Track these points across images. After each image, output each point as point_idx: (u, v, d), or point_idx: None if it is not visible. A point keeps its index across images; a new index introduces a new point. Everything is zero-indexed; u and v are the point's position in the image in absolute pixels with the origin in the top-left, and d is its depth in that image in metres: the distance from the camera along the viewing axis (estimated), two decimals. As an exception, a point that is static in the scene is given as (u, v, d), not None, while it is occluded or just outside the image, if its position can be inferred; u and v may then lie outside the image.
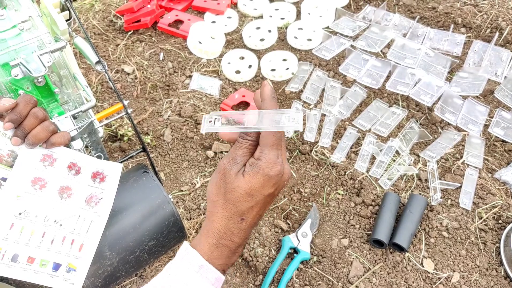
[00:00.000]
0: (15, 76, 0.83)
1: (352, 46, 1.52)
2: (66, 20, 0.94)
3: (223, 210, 0.57)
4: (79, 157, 0.79)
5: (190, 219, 1.17)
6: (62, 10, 0.95)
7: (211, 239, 0.58)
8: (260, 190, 0.55)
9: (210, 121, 0.61)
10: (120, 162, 0.87)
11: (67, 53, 0.98)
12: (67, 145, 0.80)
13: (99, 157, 0.95)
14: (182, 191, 1.23)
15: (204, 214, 1.18)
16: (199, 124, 1.37)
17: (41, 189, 0.76)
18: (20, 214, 0.74)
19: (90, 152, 0.96)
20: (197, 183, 1.25)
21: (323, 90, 1.42)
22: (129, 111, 0.94)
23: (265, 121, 0.55)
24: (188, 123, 1.38)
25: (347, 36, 1.57)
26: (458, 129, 1.32)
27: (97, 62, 0.91)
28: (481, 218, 1.15)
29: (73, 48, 1.13)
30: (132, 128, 1.34)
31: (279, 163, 0.55)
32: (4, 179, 0.74)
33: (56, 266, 0.75)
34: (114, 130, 1.34)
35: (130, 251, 0.90)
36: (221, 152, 1.30)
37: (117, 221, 0.88)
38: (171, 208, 0.94)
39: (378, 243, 1.10)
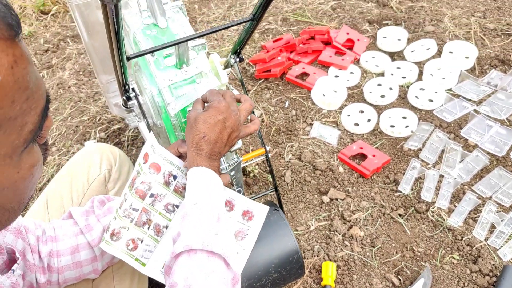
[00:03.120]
0: (189, 119, 1.02)
1: (475, 110, 1.53)
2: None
3: (190, 135, 0.82)
4: (234, 196, 0.93)
5: (304, 258, 1.26)
6: (226, 67, 1.15)
7: (191, 153, 0.81)
8: (210, 117, 0.80)
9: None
10: (253, 199, 1.00)
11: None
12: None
13: (239, 191, 1.10)
14: (297, 230, 1.34)
15: (317, 256, 1.26)
16: (317, 169, 1.48)
17: None
18: None
19: (232, 186, 1.11)
20: (312, 225, 1.34)
21: (443, 151, 1.45)
22: (269, 155, 1.08)
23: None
24: (306, 168, 1.50)
25: (470, 100, 1.58)
26: None
27: (250, 112, 1.08)
28: None
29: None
30: (267, 167, 1.49)
31: (217, 99, 0.83)
32: (177, 206, 0.90)
33: None
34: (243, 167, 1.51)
35: (257, 279, 1.02)
36: (336, 199, 1.39)
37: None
38: (296, 246, 1.04)
39: (494, 316, 1.08)
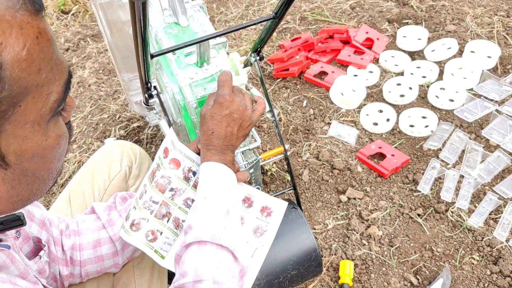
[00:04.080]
0: (209, 116, 1.03)
1: (497, 110, 1.51)
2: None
3: (201, 132, 0.84)
4: (253, 192, 0.94)
5: (322, 256, 1.26)
6: (245, 66, 1.15)
7: (203, 149, 0.83)
8: (216, 113, 0.81)
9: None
10: (273, 195, 1.00)
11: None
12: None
13: (257, 189, 1.11)
14: (315, 229, 1.34)
15: (335, 254, 1.26)
16: (335, 168, 1.48)
17: None
18: None
19: (251, 184, 1.12)
20: (329, 224, 1.34)
21: (463, 151, 1.43)
22: (288, 153, 1.08)
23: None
24: (324, 167, 1.50)
25: (492, 100, 1.56)
26: None
27: (269, 111, 1.09)
28: None
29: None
30: (284, 166, 1.50)
31: (221, 94, 0.82)
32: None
33: None
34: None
35: (275, 276, 1.03)
36: (355, 198, 1.38)
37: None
38: (314, 244, 1.04)
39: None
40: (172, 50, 0.83)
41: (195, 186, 0.89)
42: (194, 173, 0.89)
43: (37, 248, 0.76)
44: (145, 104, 1.08)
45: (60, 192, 1.33)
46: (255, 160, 1.06)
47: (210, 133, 0.81)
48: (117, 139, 1.72)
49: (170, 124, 1.05)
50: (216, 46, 1.04)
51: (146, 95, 0.98)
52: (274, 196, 1.15)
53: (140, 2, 0.50)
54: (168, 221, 0.87)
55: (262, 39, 1.00)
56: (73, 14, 2.48)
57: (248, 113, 0.85)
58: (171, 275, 0.99)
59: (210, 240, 0.70)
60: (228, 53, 1.11)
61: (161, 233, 0.86)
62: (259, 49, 1.05)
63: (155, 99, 1.02)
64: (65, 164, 1.67)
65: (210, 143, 0.82)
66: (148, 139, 1.70)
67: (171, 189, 0.87)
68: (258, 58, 1.06)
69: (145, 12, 0.54)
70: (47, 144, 0.47)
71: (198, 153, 0.91)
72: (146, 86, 0.96)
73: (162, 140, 1.61)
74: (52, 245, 0.82)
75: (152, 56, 0.79)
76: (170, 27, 1.06)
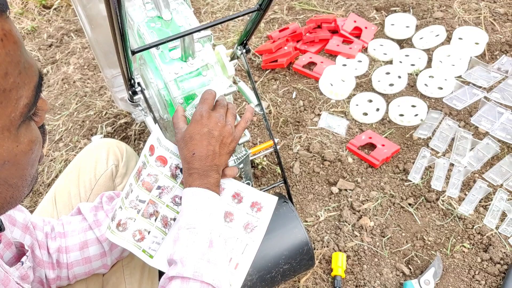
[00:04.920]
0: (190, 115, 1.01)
1: (485, 97, 1.51)
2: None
3: (182, 155, 0.81)
4: (242, 188, 0.92)
5: (314, 249, 1.26)
6: (232, 59, 1.13)
7: (185, 174, 0.81)
8: (195, 132, 0.79)
9: None
10: (262, 191, 0.99)
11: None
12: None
13: (247, 184, 1.10)
14: (306, 221, 1.33)
15: (327, 247, 1.26)
16: (326, 160, 1.47)
17: None
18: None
19: (241, 179, 1.11)
20: (321, 216, 1.33)
21: (453, 139, 1.43)
22: (278, 147, 1.07)
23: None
24: (315, 159, 1.49)
25: (480, 87, 1.55)
26: None
27: (257, 105, 1.07)
28: None
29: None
30: (275, 159, 1.49)
31: (199, 112, 0.81)
32: None
33: None
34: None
35: (267, 271, 1.02)
36: (346, 189, 1.38)
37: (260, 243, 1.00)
38: (306, 238, 1.04)
39: (507, 305, 1.07)
40: (155, 45, 0.81)
41: (182, 183, 0.88)
42: (182, 170, 0.88)
43: (20, 253, 0.75)
44: (130, 101, 1.06)
45: (46, 192, 1.31)
46: (244, 155, 1.05)
47: (191, 155, 0.78)
48: (104, 136, 1.69)
49: (156, 121, 1.03)
50: (201, 39, 1.01)
51: (130, 92, 0.96)
52: (265, 190, 1.14)
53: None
54: (155, 219, 0.85)
55: (247, 31, 0.98)
56: (55, 9, 2.43)
57: (228, 129, 0.82)
58: (162, 274, 0.98)
59: (193, 277, 0.68)
60: (214, 46, 1.08)
61: (149, 232, 0.84)
62: (245, 41, 1.03)
63: (140, 96, 1.00)
64: (51, 163, 1.64)
65: (191, 167, 0.78)
66: (136, 135, 1.67)
67: (158, 187, 0.86)
68: (244, 51, 1.04)
69: (121, 7, 0.52)
70: (19, 150, 0.46)
71: None
72: (130, 83, 0.93)
73: (149, 136, 1.58)
74: (37, 248, 0.80)
75: (134, 53, 0.77)
76: (153, 21, 1.03)
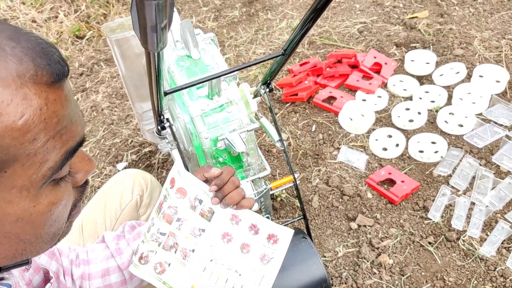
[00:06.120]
0: (219, 147, 1.05)
1: (507, 136, 1.50)
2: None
3: None
4: (259, 219, 0.94)
5: (332, 285, 1.26)
6: (255, 96, 1.17)
7: None
8: None
9: None
10: (283, 224, 1.01)
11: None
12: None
13: (267, 217, 1.12)
14: (324, 256, 1.33)
15: (345, 283, 1.25)
16: (345, 194, 1.48)
17: (228, 242, 0.93)
18: (211, 260, 0.91)
19: (261, 212, 1.13)
20: (340, 251, 1.34)
21: (474, 178, 1.42)
22: (298, 182, 1.09)
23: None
24: (334, 193, 1.50)
25: (501, 125, 1.55)
26: None
27: (279, 140, 1.10)
28: None
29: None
30: (293, 191, 1.50)
31: None
32: (203, 230, 0.93)
33: None
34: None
35: (285, 307, 1.02)
36: (365, 225, 1.38)
37: (278, 278, 1.01)
38: (325, 274, 1.04)
39: None
40: (185, 87, 0.85)
41: (201, 215, 0.91)
42: (201, 201, 0.91)
43: (45, 279, 0.78)
44: (158, 134, 1.11)
45: (72, 219, 1.35)
46: (265, 189, 1.07)
47: None
48: (129, 163, 1.74)
49: (181, 154, 1.07)
50: (227, 78, 1.06)
51: (159, 127, 1.01)
52: (284, 225, 1.15)
53: (156, 52, 0.52)
54: (175, 251, 0.88)
55: (271, 72, 1.02)
56: (87, 39, 2.55)
57: None
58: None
59: None
60: (238, 84, 1.13)
61: (169, 265, 0.87)
62: (268, 81, 1.07)
63: (168, 130, 1.04)
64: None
65: None
66: (159, 164, 1.72)
67: (178, 219, 0.88)
68: (267, 90, 1.08)
69: (160, 59, 0.56)
70: (35, 210, 0.45)
71: (205, 181, 0.92)
72: (159, 119, 0.98)
73: (172, 165, 1.63)
74: (62, 275, 0.83)
75: (166, 94, 0.82)
76: (182, 60, 1.08)
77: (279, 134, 1.10)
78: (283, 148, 1.09)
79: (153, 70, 0.60)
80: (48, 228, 0.49)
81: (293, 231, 0.95)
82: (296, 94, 1.86)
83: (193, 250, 0.90)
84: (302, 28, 0.75)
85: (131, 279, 0.90)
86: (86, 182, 0.53)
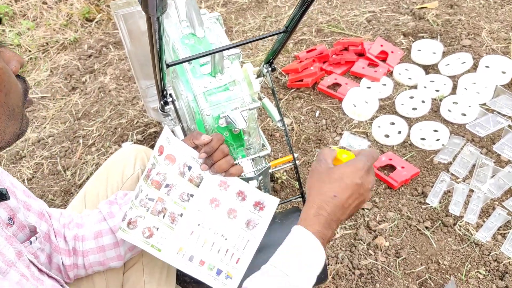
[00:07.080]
0: (221, 124, 1.07)
1: (509, 126, 1.51)
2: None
3: (318, 188, 0.75)
4: (246, 186, 0.96)
5: (328, 265, 1.28)
6: (258, 76, 1.19)
7: (310, 209, 0.75)
8: (348, 176, 0.73)
9: None
10: (280, 204, 1.02)
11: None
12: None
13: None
14: (322, 238, 1.36)
15: (341, 263, 1.28)
16: (345, 179, 1.49)
17: (215, 207, 0.95)
18: (199, 224, 0.93)
19: (260, 190, 1.15)
20: (337, 233, 1.36)
21: (474, 166, 1.43)
22: (298, 163, 1.11)
23: None
24: (334, 177, 1.51)
25: (505, 116, 1.56)
26: None
27: (279, 120, 1.12)
28: None
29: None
30: (295, 174, 1.53)
31: (364, 162, 0.75)
32: (192, 195, 0.95)
33: (219, 272, 0.92)
34: (271, 173, 1.55)
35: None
36: (363, 208, 1.40)
37: (272, 252, 1.03)
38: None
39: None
40: (187, 60, 0.87)
41: (190, 180, 0.93)
42: (190, 168, 0.93)
43: (32, 236, 0.82)
44: (161, 111, 1.13)
45: (77, 193, 1.39)
46: (264, 167, 1.09)
47: (332, 195, 0.73)
48: (134, 143, 1.77)
49: (184, 131, 1.09)
50: (230, 57, 1.08)
51: (162, 102, 1.03)
52: (283, 203, 1.18)
53: (156, 17, 0.54)
54: (164, 216, 0.90)
55: (274, 51, 1.04)
56: (97, 22, 2.58)
57: (369, 196, 0.78)
58: (179, 276, 1.03)
59: None
60: (242, 64, 1.15)
61: (157, 229, 0.90)
62: (271, 60, 1.09)
63: (171, 106, 1.07)
64: (84, 166, 1.73)
65: (322, 207, 0.73)
66: (163, 144, 1.75)
67: (167, 185, 0.91)
68: (270, 69, 1.10)
69: (160, 25, 0.58)
70: None
71: (194, 147, 0.94)
72: (162, 94, 1.01)
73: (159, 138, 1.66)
74: (53, 235, 0.87)
75: (168, 66, 0.84)
76: (187, 38, 1.11)
77: (280, 114, 1.12)
78: (283, 128, 1.11)
79: (154, 38, 0.62)
80: (5, 96, 0.57)
81: (278, 199, 0.96)
82: (302, 80, 1.87)
83: (181, 215, 0.92)
84: (302, 5, 0.77)
85: (123, 241, 0.93)
86: (25, 80, 0.62)
